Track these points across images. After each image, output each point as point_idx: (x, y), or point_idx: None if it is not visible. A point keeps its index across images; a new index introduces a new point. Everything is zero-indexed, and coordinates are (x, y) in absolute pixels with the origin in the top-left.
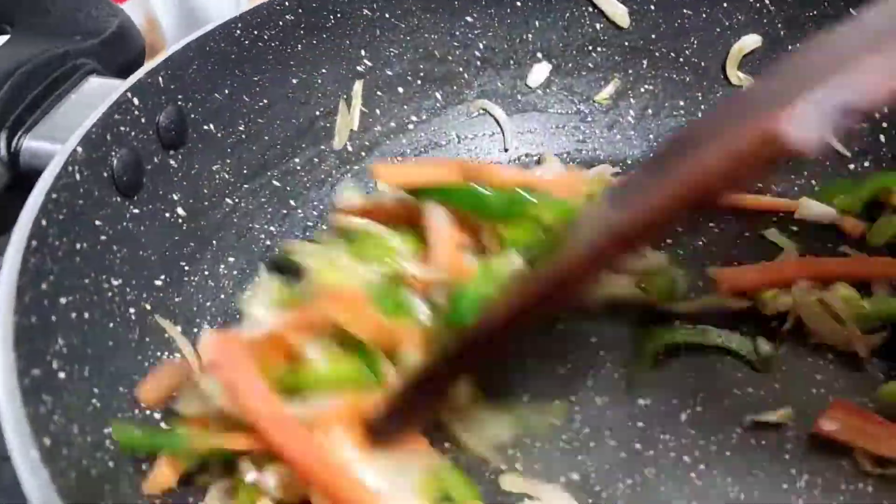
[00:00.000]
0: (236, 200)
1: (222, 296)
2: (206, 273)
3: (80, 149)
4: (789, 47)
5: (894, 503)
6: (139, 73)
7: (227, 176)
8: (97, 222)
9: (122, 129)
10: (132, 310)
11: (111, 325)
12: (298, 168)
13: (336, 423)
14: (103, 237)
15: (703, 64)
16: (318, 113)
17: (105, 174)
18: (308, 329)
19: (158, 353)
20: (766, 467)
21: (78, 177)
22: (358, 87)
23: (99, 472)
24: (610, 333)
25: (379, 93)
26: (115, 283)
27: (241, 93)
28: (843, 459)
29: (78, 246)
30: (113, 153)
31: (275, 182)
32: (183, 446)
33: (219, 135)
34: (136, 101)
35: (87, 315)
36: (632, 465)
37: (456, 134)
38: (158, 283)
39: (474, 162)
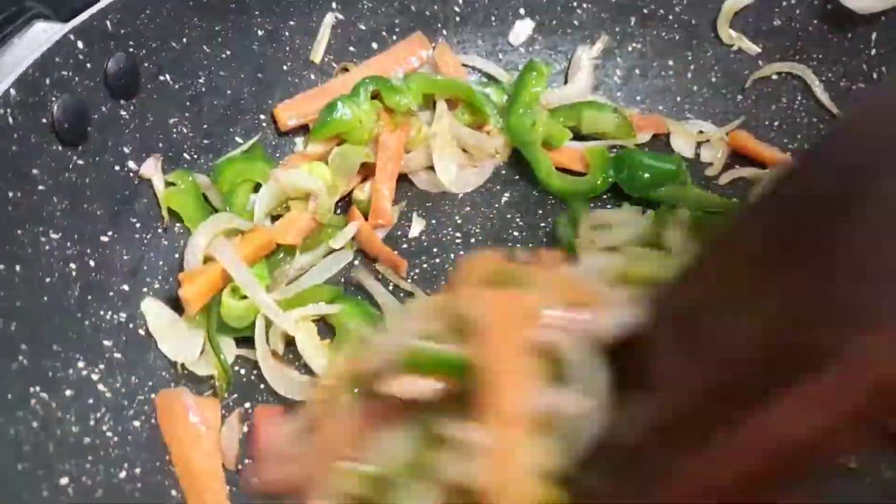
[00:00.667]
0: (195, 156)
1: (176, 255)
2: (160, 231)
3: (13, 91)
4: (783, 4)
5: None
6: (84, 16)
7: (185, 130)
8: (34, 171)
9: (64, 73)
10: (73, 265)
11: (47, 280)
12: (265, 125)
13: None
14: (41, 187)
15: (693, 21)
16: (285, 67)
17: (44, 120)
18: None
19: (101, 313)
20: None
21: (11, 121)
22: (329, 19)
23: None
24: None
25: (351, 48)
26: (53, 236)
27: (201, 43)
28: None
29: (10, 194)
30: (53, 99)
31: (237, 139)
32: None
33: (176, 86)
34: (80, 44)
35: (18, 268)
36: None
37: None
38: (105, 238)
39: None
